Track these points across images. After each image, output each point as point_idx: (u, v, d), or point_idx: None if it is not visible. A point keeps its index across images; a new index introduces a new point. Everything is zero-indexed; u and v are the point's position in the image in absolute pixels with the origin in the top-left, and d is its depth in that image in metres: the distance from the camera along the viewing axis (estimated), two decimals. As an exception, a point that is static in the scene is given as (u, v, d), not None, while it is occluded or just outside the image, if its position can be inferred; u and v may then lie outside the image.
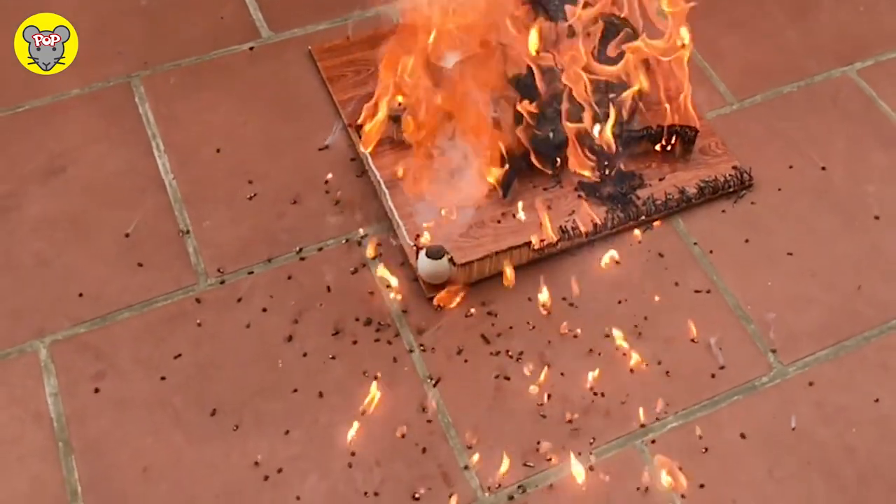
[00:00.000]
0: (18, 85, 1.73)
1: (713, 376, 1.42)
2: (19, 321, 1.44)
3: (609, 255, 1.54)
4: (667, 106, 1.66)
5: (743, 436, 1.37)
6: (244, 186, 1.61)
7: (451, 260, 1.46)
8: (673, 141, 1.64)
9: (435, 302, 1.47)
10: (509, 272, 1.48)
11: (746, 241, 1.57)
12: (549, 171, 1.61)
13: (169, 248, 1.54)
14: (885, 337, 1.47)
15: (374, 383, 1.39)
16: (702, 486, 1.32)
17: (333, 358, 1.42)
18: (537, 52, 1.58)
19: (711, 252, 1.55)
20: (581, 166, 1.59)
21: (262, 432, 1.35)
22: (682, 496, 1.31)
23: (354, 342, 1.44)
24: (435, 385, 1.40)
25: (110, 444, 1.34)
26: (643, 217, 1.58)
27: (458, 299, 1.47)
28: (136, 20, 1.86)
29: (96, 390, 1.38)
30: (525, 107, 1.57)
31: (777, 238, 1.58)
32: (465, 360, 1.43)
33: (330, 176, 1.63)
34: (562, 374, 1.41)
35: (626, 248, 1.56)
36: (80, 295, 1.47)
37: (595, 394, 1.40)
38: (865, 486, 1.33)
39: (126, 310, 1.46)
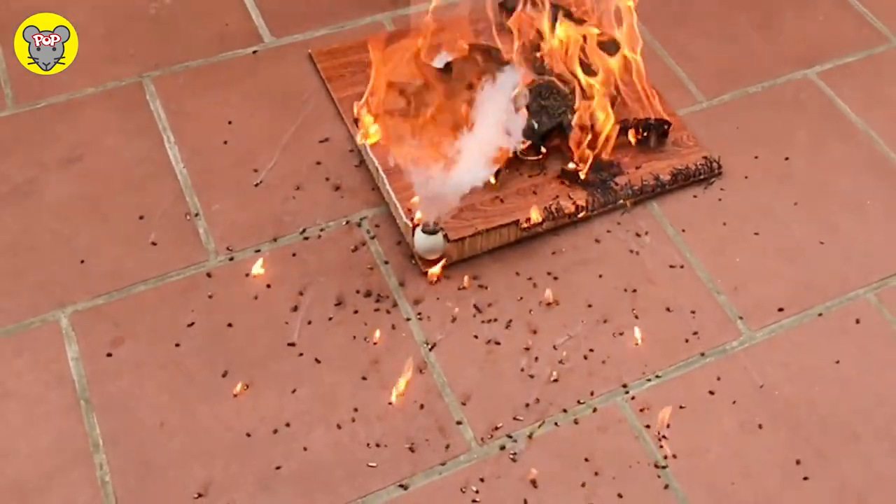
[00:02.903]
0: (37, 84, 1.84)
1: (686, 341, 1.54)
2: (41, 293, 1.55)
3: (590, 234, 1.66)
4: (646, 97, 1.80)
5: (714, 393, 1.48)
6: (250, 174, 1.73)
7: (445, 236, 1.58)
8: (648, 133, 1.78)
9: (429, 275, 1.58)
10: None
11: (716, 222, 1.70)
12: (535, 159, 1.74)
13: (181, 228, 1.64)
14: (844, 307, 1.60)
15: (375, 347, 1.50)
16: (679, 438, 1.43)
17: (336, 325, 1.53)
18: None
19: (684, 231, 1.68)
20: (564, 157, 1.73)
21: (270, 391, 1.45)
22: (661, 447, 1.42)
23: (355, 311, 1.55)
24: (431, 349, 1.51)
25: (129, 402, 1.43)
26: (621, 201, 1.71)
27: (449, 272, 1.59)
28: (146, 26, 1.99)
29: (115, 355, 1.48)
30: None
31: (744, 220, 1.71)
32: (459, 328, 1.54)
33: (330, 165, 1.75)
34: (548, 339, 1.53)
35: (605, 229, 1.68)
36: (98, 270, 1.57)
37: (579, 357, 1.51)
38: (827, 437, 1.44)
39: (141, 283, 1.57)
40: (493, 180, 1.67)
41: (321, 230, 1.66)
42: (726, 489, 1.38)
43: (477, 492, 1.37)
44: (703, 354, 1.53)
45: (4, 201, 1.66)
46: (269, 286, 1.58)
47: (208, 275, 1.58)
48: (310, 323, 1.53)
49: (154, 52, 1.93)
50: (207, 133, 1.79)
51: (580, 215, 1.68)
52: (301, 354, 1.50)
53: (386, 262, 1.61)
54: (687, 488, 1.38)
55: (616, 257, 1.64)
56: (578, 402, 1.46)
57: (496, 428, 1.43)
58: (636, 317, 1.56)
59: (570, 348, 1.52)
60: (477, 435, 1.42)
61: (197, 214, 1.66)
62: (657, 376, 1.50)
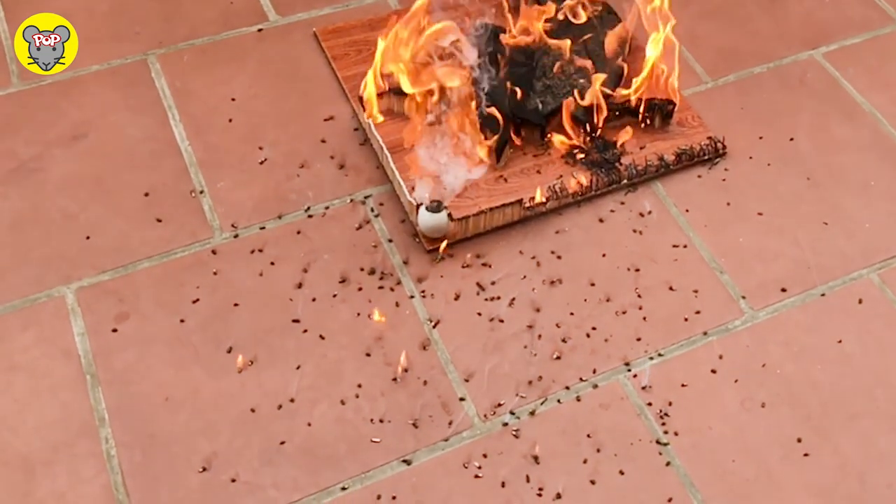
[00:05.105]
0: (41, 61, 1.85)
1: (686, 320, 1.54)
2: (47, 269, 1.55)
3: (594, 214, 1.67)
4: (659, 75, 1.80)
5: (716, 371, 1.49)
6: (255, 152, 1.73)
7: (448, 214, 1.58)
8: (652, 113, 1.78)
9: (442, 250, 1.59)
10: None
11: (720, 202, 1.70)
12: (539, 139, 1.74)
13: (186, 206, 1.65)
14: (846, 286, 1.60)
15: (379, 324, 1.51)
16: (681, 415, 1.44)
17: (340, 302, 1.53)
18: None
19: (688, 212, 1.68)
20: (567, 138, 1.73)
21: (274, 367, 1.46)
22: (664, 424, 1.43)
23: (360, 289, 1.56)
24: (434, 326, 1.52)
25: (134, 377, 1.44)
26: (625, 181, 1.71)
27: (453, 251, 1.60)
28: (151, 4, 1.99)
29: (120, 330, 1.49)
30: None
31: (748, 200, 1.71)
32: (462, 305, 1.54)
33: (335, 143, 1.75)
34: (551, 317, 1.53)
35: (609, 208, 1.69)
36: (104, 246, 1.58)
37: (581, 335, 1.52)
38: (828, 416, 1.45)
39: (146, 260, 1.58)
40: (486, 158, 1.68)
41: (326, 208, 1.66)
42: (727, 466, 1.39)
43: (480, 467, 1.38)
44: (705, 333, 1.53)
45: (10, 178, 1.67)
46: (273, 263, 1.58)
47: (213, 252, 1.59)
48: (314, 300, 1.54)
49: (159, 29, 1.93)
50: (212, 111, 1.79)
51: (584, 195, 1.68)
52: (305, 331, 1.50)
53: (390, 241, 1.62)
54: (688, 465, 1.39)
55: (619, 236, 1.65)
56: (581, 379, 1.47)
57: (499, 404, 1.44)
58: (639, 295, 1.57)
59: (572, 326, 1.53)
60: (480, 411, 1.43)
61: (202, 192, 1.67)
62: (659, 354, 1.50)
